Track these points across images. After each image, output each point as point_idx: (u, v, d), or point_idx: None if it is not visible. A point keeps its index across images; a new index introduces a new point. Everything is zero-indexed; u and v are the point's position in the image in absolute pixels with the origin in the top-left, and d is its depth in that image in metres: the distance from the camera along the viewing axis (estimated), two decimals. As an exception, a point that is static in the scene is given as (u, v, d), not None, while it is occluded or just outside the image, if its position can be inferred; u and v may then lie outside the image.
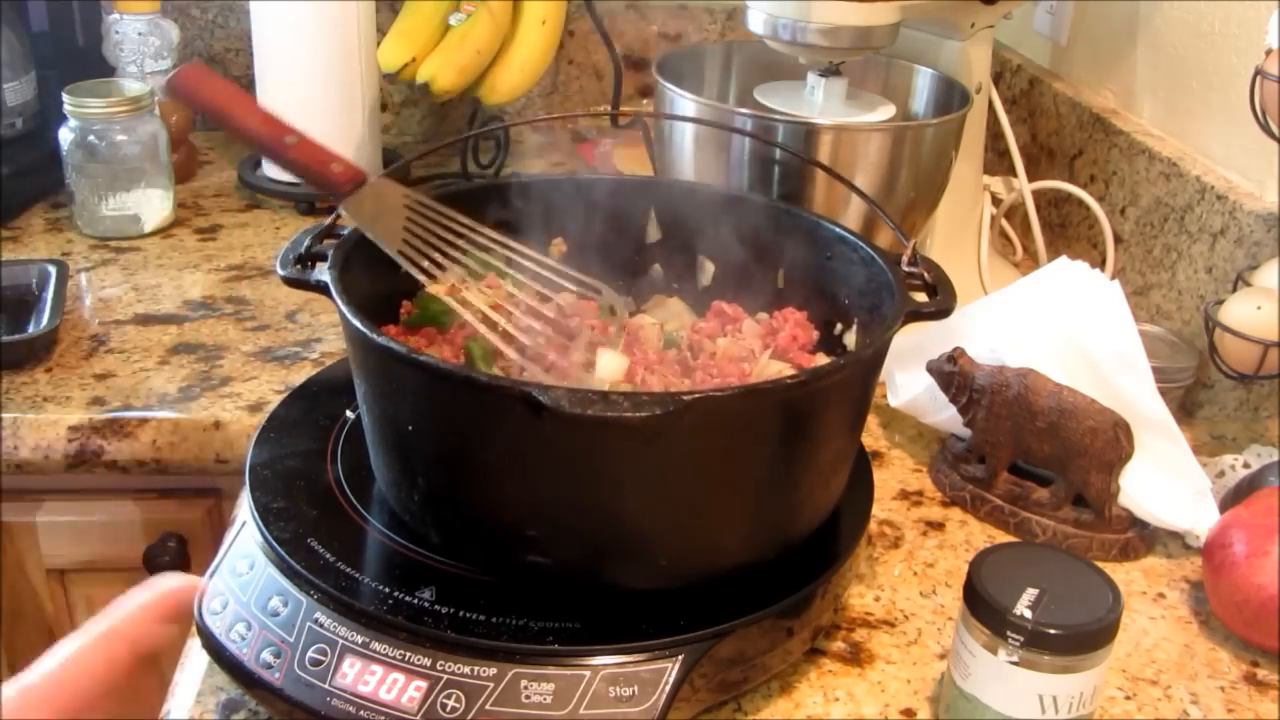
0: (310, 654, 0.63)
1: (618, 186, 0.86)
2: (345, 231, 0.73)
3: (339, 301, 0.66)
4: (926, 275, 0.75)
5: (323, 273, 0.69)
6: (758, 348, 0.80)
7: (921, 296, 0.74)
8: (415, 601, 0.64)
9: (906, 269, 0.75)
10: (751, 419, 0.64)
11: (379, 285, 0.73)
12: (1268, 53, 0.84)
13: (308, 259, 0.72)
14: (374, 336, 0.63)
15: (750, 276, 0.85)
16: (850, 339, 0.80)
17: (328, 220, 0.75)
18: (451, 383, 0.62)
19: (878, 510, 0.87)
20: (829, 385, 0.66)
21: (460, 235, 0.74)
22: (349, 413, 0.80)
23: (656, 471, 0.63)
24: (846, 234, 0.80)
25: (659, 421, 0.57)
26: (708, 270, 0.87)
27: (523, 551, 0.65)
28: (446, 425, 0.64)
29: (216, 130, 1.47)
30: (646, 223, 0.86)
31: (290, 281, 0.71)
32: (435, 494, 0.67)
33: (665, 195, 0.86)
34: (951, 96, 1.09)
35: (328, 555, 0.67)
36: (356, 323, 0.63)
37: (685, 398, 0.58)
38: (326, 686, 0.62)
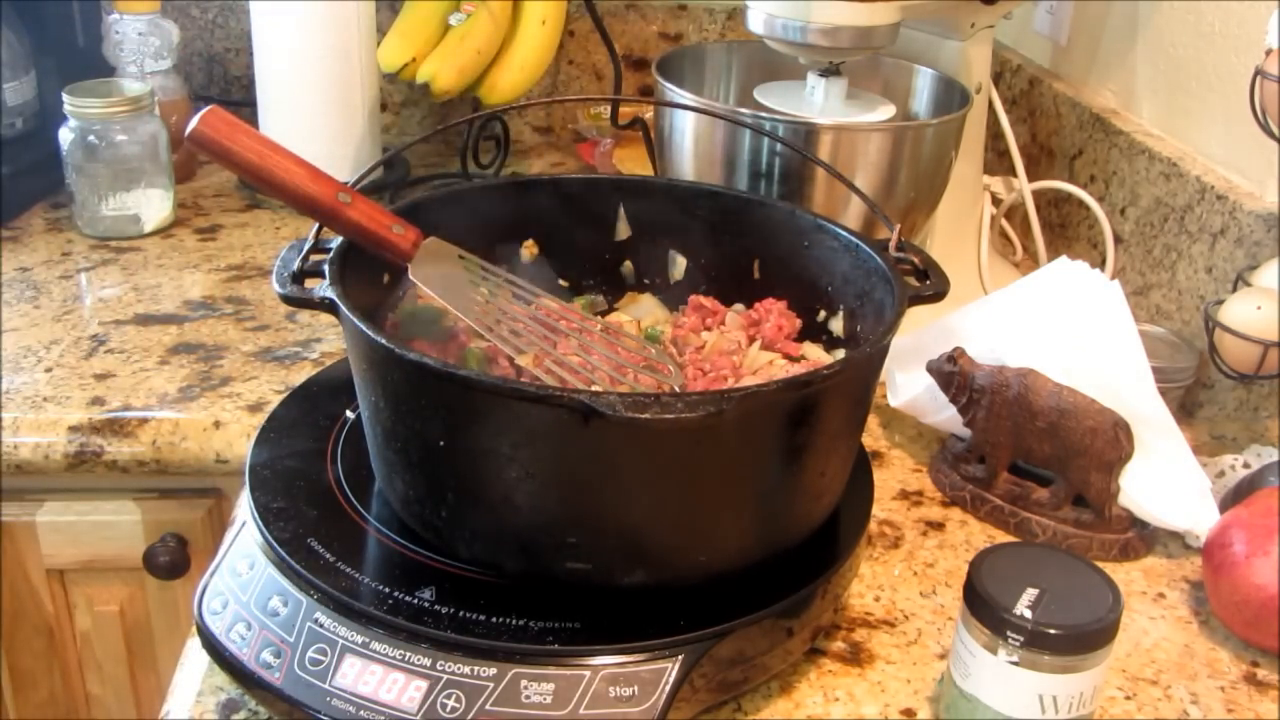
0: (310, 654, 0.63)
1: (586, 186, 0.86)
2: (332, 244, 0.71)
3: (356, 321, 0.64)
4: (915, 260, 0.76)
5: (324, 289, 0.67)
6: (743, 339, 0.80)
7: (913, 281, 0.74)
8: (415, 601, 0.64)
9: (895, 254, 0.76)
10: (790, 412, 0.64)
11: (367, 298, 0.72)
12: (1268, 53, 0.84)
13: (301, 275, 0.70)
14: (406, 354, 0.61)
15: (724, 269, 0.85)
16: (837, 325, 0.80)
17: (310, 234, 0.72)
18: (497, 395, 0.60)
19: (878, 510, 0.87)
20: (867, 369, 0.67)
21: (518, 296, 0.74)
22: (349, 413, 0.80)
23: (695, 471, 0.63)
24: (824, 222, 0.80)
25: (712, 420, 0.58)
26: (679, 265, 0.87)
27: (562, 559, 0.64)
28: (488, 439, 0.62)
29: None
30: (616, 220, 0.86)
31: (291, 300, 0.68)
32: (468, 509, 0.66)
33: (634, 192, 0.86)
34: (951, 96, 1.09)
35: (328, 555, 0.67)
36: (383, 340, 0.62)
37: (735, 395, 0.59)
38: (326, 686, 0.62)
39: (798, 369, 0.78)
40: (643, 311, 0.85)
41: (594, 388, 0.69)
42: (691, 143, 1.04)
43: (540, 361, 0.70)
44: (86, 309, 1.10)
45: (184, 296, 1.13)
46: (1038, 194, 1.24)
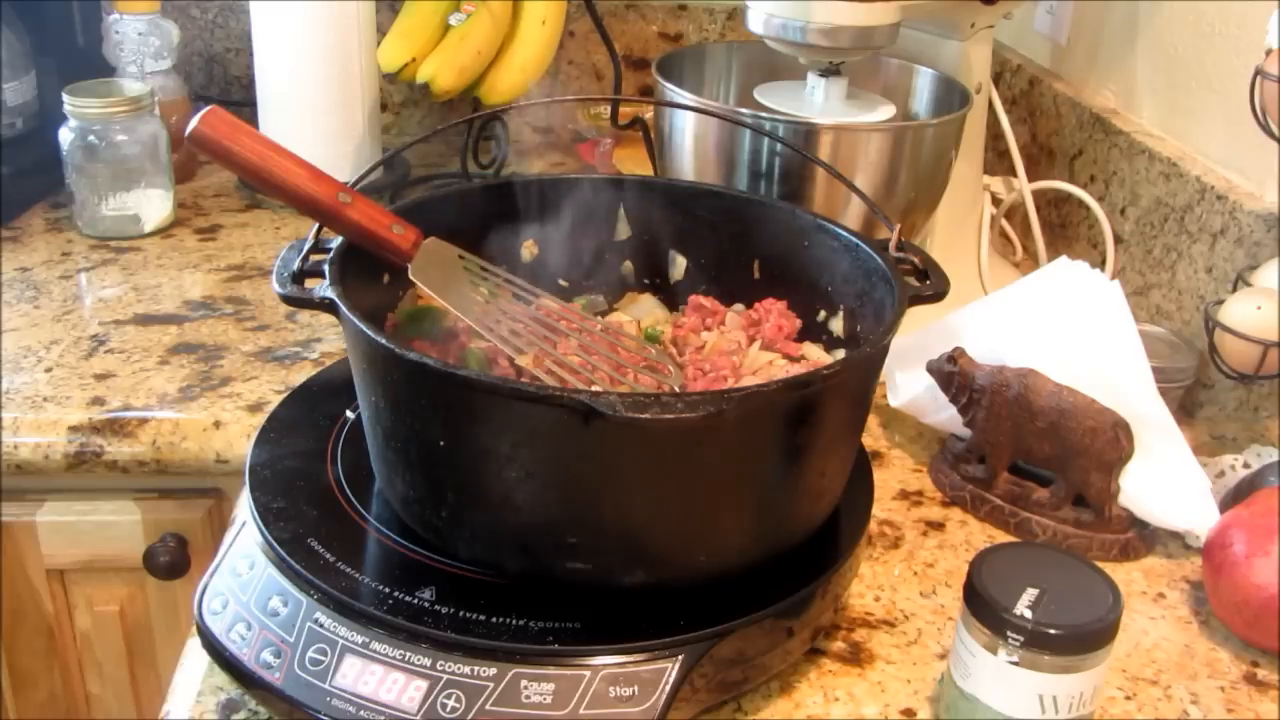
0: (310, 654, 0.63)
1: (586, 186, 0.85)
2: (332, 244, 0.71)
3: (356, 321, 0.64)
4: (915, 260, 0.76)
5: (324, 289, 0.67)
6: (743, 339, 0.80)
7: (913, 281, 0.74)
8: (415, 601, 0.64)
9: (895, 254, 0.76)
10: (790, 412, 0.64)
11: (368, 298, 0.72)
12: (1268, 53, 0.84)
13: (301, 275, 0.70)
14: (406, 354, 0.61)
15: (724, 269, 0.85)
16: (837, 325, 0.80)
17: (310, 234, 0.72)
18: (497, 395, 0.60)
19: (878, 510, 0.87)
20: (867, 369, 0.67)
21: (518, 296, 0.74)
22: (349, 413, 0.80)
23: (695, 471, 0.63)
24: (824, 222, 0.80)
25: (712, 420, 0.58)
26: (679, 265, 0.87)
27: (562, 559, 0.64)
28: (488, 439, 0.62)
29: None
30: (616, 220, 0.86)
31: (291, 300, 0.68)
32: (468, 509, 0.66)
33: (634, 192, 0.86)
34: (951, 96, 1.09)
35: (328, 555, 0.67)
36: (383, 340, 0.62)
37: (735, 395, 0.59)
38: (326, 686, 0.62)
39: (798, 369, 0.78)
40: (643, 311, 0.85)
41: (594, 388, 0.69)
42: (691, 143, 1.04)
43: (540, 361, 0.70)
44: (86, 309, 1.10)
45: (184, 296, 1.13)
46: (1038, 194, 1.24)
